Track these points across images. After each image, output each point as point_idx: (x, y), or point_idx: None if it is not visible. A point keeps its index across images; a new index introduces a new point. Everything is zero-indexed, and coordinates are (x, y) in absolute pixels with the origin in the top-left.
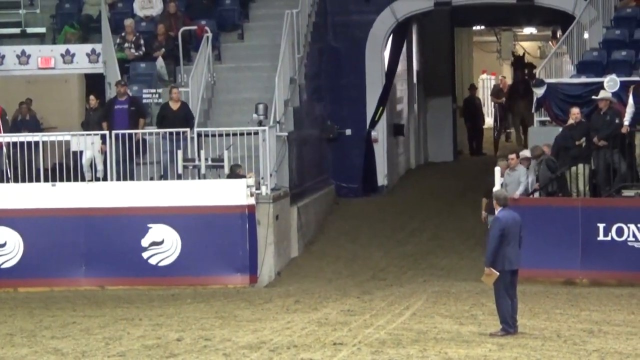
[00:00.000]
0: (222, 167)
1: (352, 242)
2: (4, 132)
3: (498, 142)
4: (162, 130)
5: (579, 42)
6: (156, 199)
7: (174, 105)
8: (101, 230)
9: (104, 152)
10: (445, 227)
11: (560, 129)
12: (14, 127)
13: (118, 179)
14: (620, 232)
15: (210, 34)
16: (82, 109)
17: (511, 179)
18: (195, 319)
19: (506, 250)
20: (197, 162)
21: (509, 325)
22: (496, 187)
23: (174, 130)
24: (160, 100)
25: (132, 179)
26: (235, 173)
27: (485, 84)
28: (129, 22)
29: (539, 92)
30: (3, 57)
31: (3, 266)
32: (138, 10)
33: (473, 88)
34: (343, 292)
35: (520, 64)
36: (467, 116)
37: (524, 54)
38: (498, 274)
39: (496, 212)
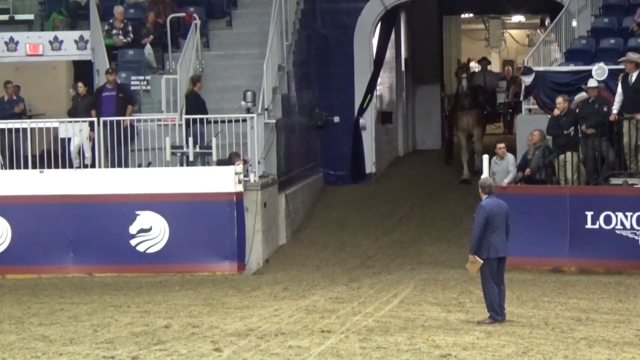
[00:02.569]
0: (210, 154)
1: (340, 229)
2: None
3: (450, 154)
4: (150, 116)
5: (567, 30)
6: (144, 186)
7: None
8: (89, 217)
9: (92, 139)
10: (433, 215)
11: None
12: (1, 107)
13: (106, 166)
14: (608, 220)
15: (198, 21)
16: (70, 96)
17: (499, 168)
18: (183, 306)
19: (491, 238)
20: (185, 149)
21: (496, 313)
22: (484, 175)
23: (161, 116)
24: (149, 88)
25: (120, 166)
26: (232, 161)
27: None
28: (119, 9)
29: (527, 80)
30: None
31: None
32: None
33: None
34: (331, 280)
35: (466, 73)
36: None
37: (469, 60)
38: (482, 262)
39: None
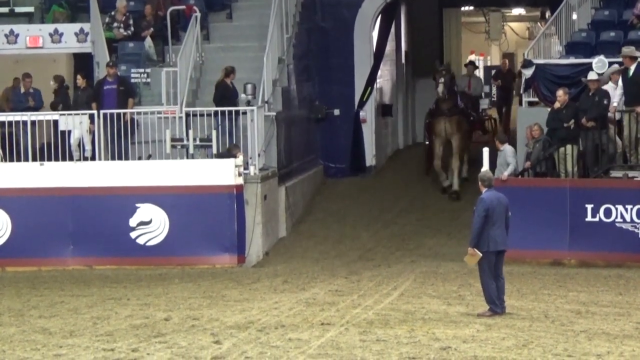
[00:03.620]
0: (210, 147)
1: (339, 222)
2: None
3: (430, 163)
4: (149, 109)
5: (567, 23)
6: (144, 179)
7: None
8: (89, 209)
9: (92, 132)
10: (433, 208)
11: (549, 110)
12: (18, 99)
13: (106, 158)
14: (608, 213)
15: (198, 14)
16: (70, 89)
17: (499, 161)
18: (183, 299)
19: (491, 231)
20: (185, 142)
21: (495, 306)
22: (484, 168)
23: (161, 109)
24: (149, 80)
25: (120, 158)
26: (232, 154)
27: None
28: (122, 3)
29: (527, 72)
30: None
31: None
32: None
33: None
34: (331, 273)
35: (444, 77)
36: None
37: (449, 63)
38: (481, 255)
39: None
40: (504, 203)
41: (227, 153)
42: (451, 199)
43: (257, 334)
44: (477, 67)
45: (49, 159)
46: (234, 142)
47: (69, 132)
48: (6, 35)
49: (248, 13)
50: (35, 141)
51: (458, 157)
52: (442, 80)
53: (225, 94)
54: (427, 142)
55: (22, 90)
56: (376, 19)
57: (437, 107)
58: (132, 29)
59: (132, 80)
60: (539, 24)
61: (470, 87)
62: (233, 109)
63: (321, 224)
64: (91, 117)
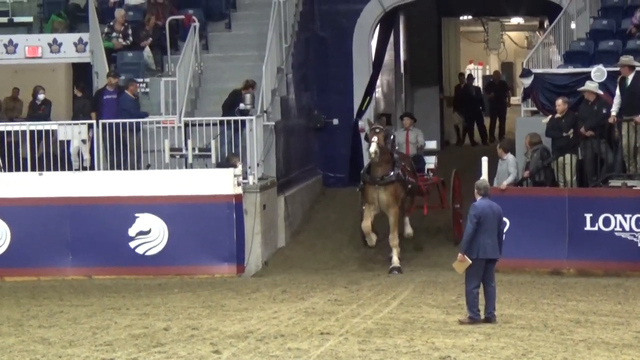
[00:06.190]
0: (210, 156)
1: (339, 231)
2: None
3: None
4: (149, 120)
5: (566, 32)
6: (143, 189)
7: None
8: (88, 219)
9: (89, 141)
10: (432, 217)
11: (546, 121)
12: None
13: (105, 168)
14: (607, 222)
15: (197, 23)
16: (70, 99)
17: (501, 169)
18: (182, 309)
19: (481, 239)
20: (184, 152)
21: (474, 313)
22: (483, 177)
23: (160, 118)
24: (148, 90)
25: (119, 168)
26: (230, 163)
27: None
28: (120, 12)
29: (526, 82)
30: None
31: None
32: None
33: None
34: (330, 282)
35: (378, 134)
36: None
37: (385, 118)
38: (470, 262)
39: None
40: (497, 212)
41: (226, 163)
42: (392, 274)
43: (257, 344)
44: (414, 120)
45: (48, 169)
46: (233, 151)
47: (69, 141)
48: (5, 45)
49: (247, 23)
50: (34, 151)
51: (396, 234)
52: (375, 139)
53: (235, 104)
54: (362, 208)
55: (39, 101)
56: (375, 28)
57: (370, 172)
58: (131, 38)
59: None
60: (537, 33)
61: (408, 143)
62: (232, 118)
63: (320, 234)
64: (90, 126)
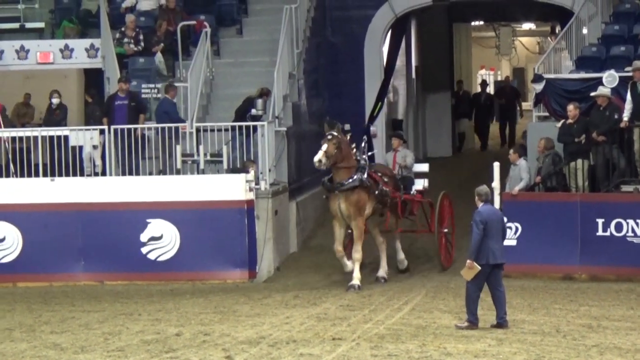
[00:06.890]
0: (221, 162)
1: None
2: (4, 127)
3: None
4: (160, 125)
5: (577, 38)
6: (155, 194)
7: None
8: (100, 225)
9: (101, 146)
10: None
11: (559, 125)
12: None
13: (117, 174)
14: (619, 227)
15: (209, 29)
16: (82, 104)
17: (513, 174)
18: (194, 314)
19: (489, 244)
20: (196, 157)
21: (474, 317)
22: (495, 183)
23: (172, 125)
24: (159, 96)
25: (131, 174)
26: (247, 169)
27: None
28: (131, 18)
29: (537, 87)
30: (2, 52)
31: (2, 261)
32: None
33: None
34: (342, 287)
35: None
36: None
37: (339, 128)
38: (479, 268)
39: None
40: (500, 217)
41: (242, 169)
42: (350, 291)
43: (269, 349)
44: (404, 140)
45: (60, 175)
46: (245, 157)
47: (81, 147)
48: (17, 51)
49: (258, 28)
50: (46, 156)
51: (360, 247)
52: (324, 147)
53: (249, 111)
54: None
55: (54, 105)
56: (386, 33)
57: (331, 180)
58: (143, 44)
59: (143, 96)
60: (549, 38)
61: (395, 164)
62: (244, 124)
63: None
64: (102, 132)
